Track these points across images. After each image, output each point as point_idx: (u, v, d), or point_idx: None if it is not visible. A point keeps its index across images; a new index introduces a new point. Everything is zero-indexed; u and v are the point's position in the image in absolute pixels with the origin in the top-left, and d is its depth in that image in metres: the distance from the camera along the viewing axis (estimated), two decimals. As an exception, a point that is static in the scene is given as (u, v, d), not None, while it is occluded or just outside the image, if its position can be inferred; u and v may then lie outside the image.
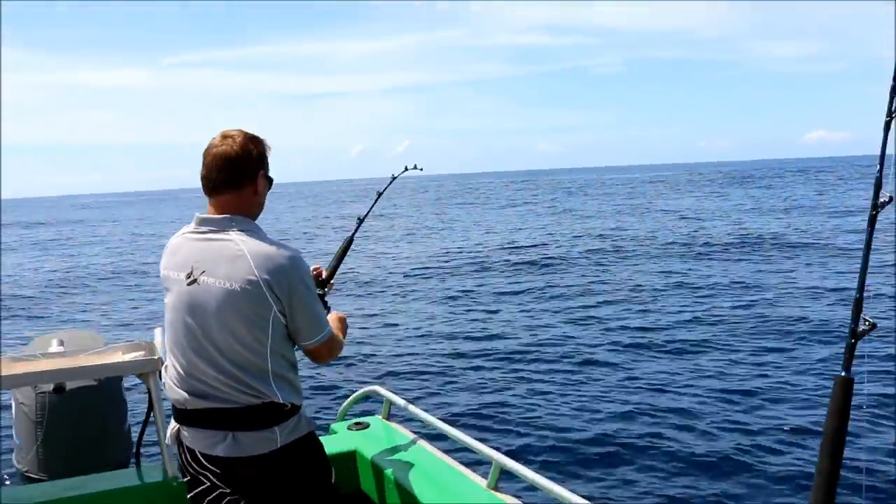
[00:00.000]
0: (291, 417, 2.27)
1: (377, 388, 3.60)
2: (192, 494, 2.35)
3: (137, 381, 3.01)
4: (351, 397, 3.69)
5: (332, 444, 3.27)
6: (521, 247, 23.00)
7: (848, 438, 2.01)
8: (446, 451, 3.16)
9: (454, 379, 8.72)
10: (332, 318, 2.57)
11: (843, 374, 1.96)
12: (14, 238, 39.40)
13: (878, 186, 1.86)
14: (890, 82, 1.85)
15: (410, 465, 3.02)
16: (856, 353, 1.96)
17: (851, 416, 1.99)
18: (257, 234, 2.26)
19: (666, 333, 10.54)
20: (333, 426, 3.58)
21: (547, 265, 18.77)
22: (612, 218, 33.51)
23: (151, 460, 3.73)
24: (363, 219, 3.29)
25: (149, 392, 2.94)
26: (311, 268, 2.92)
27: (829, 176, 65.10)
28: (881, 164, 1.86)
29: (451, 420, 6.98)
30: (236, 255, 2.18)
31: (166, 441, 2.45)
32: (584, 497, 2.24)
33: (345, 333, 2.61)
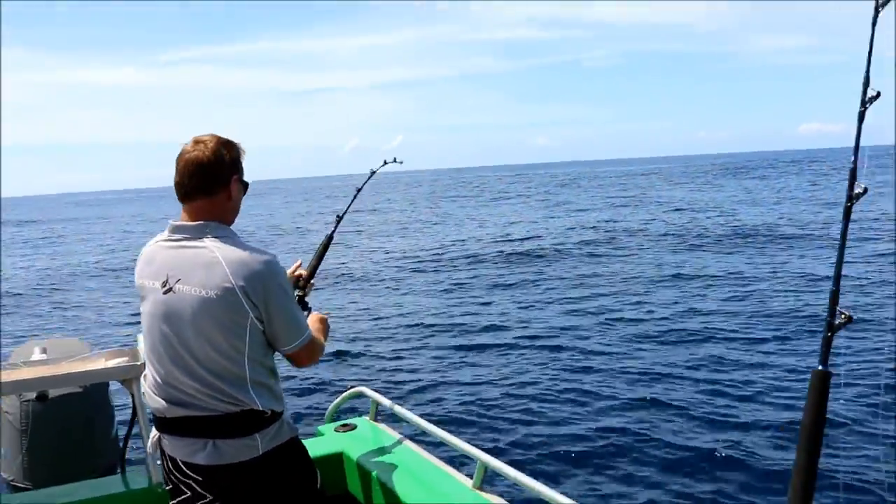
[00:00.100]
0: (272, 424, 2.25)
1: (364, 389, 3.61)
2: (175, 502, 2.34)
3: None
4: (338, 399, 3.71)
5: (319, 446, 3.28)
6: (512, 240, 23.05)
7: (827, 433, 2.00)
8: (433, 452, 3.17)
9: (442, 377, 8.68)
10: (312, 319, 2.56)
11: (819, 367, 1.94)
12: (6, 236, 39.31)
13: (852, 177, 1.84)
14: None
15: (396, 466, 3.03)
16: (834, 347, 1.93)
17: (830, 411, 1.97)
18: (232, 239, 2.23)
19: (656, 328, 10.52)
20: (320, 428, 3.59)
21: (536, 260, 18.78)
22: (605, 211, 33.57)
23: (139, 467, 3.73)
24: (342, 215, 3.26)
25: (132, 398, 2.93)
26: (293, 266, 2.89)
27: (823, 166, 65.38)
28: (855, 155, 1.84)
29: (439, 419, 6.99)
30: (211, 261, 2.15)
31: (148, 449, 2.45)
32: (569, 496, 2.24)
33: (326, 335, 2.58)
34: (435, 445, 3.46)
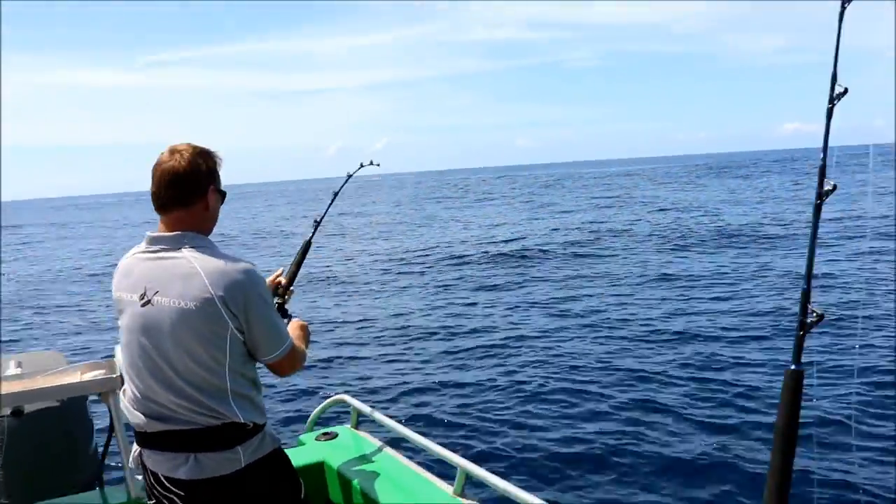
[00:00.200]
0: (255, 436, 2.23)
1: (345, 396, 3.62)
2: None
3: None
4: (319, 407, 3.72)
5: (301, 455, 3.29)
6: (496, 242, 23.04)
7: (801, 432, 1.99)
8: (414, 458, 3.20)
9: (425, 383, 8.60)
10: (292, 327, 2.54)
11: (793, 366, 1.94)
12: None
13: (822, 175, 1.85)
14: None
15: (377, 474, 3.05)
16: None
17: (803, 410, 1.97)
18: (210, 249, 2.21)
19: (640, 330, 10.50)
20: (301, 437, 3.60)
21: (520, 261, 18.74)
22: (589, 212, 33.68)
23: (119, 482, 3.70)
24: (320, 220, 3.26)
25: (110, 412, 2.90)
26: (273, 275, 2.88)
27: (805, 165, 65.97)
28: (824, 152, 1.84)
29: (420, 425, 6.98)
30: (190, 272, 2.13)
31: (129, 464, 2.41)
32: (548, 502, 2.23)
33: (307, 342, 2.57)
34: (416, 452, 3.46)
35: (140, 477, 2.38)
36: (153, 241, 2.23)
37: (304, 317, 2.74)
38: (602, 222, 27.27)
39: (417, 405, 7.84)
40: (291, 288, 2.92)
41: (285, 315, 2.74)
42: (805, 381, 1.94)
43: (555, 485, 5.81)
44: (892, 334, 9.26)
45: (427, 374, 8.99)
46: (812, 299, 1.82)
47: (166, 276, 2.15)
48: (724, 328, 10.26)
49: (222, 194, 2.33)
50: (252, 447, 2.22)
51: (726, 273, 14.87)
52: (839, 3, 1.87)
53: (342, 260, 21.43)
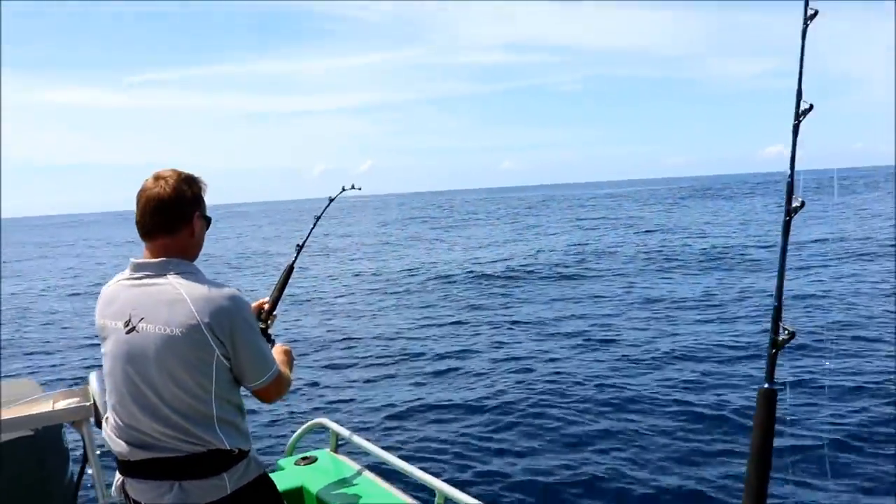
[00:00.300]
0: (240, 462, 2.21)
1: (324, 420, 3.61)
2: None
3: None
4: (298, 431, 3.71)
5: (280, 480, 3.27)
6: (481, 264, 23.03)
7: (776, 450, 1.98)
8: (393, 482, 3.18)
9: (405, 406, 8.50)
10: (276, 352, 2.52)
11: (766, 385, 1.93)
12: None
13: (789, 191, 1.85)
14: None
15: (357, 498, 3.04)
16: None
17: (777, 428, 1.95)
18: (196, 276, 2.19)
19: (626, 352, 10.45)
20: (280, 462, 3.58)
21: (504, 283, 18.68)
22: (574, 233, 33.85)
23: None
24: (303, 244, 3.25)
25: (83, 440, 2.85)
26: (256, 302, 2.85)
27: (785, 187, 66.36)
28: (791, 169, 1.84)
29: (400, 449, 6.93)
30: (175, 299, 2.11)
31: (112, 493, 2.36)
32: None
33: (291, 367, 2.55)
34: (396, 476, 3.43)
35: None
36: (137, 267, 2.21)
37: (285, 338, 2.73)
38: (587, 244, 27.36)
39: (398, 428, 7.76)
40: (274, 313, 2.91)
41: (269, 340, 2.73)
42: (783, 398, 1.93)
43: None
44: (865, 350, 9.41)
45: (408, 396, 8.90)
46: (783, 317, 1.82)
47: (151, 302, 2.13)
48: (705, 348, 10.27)
49: (207, 220, 2.32)
50: (238, 473, 2.19)
51: (709, 294, 14.93)
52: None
53: (324, 280, 21.35)
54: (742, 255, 21.19)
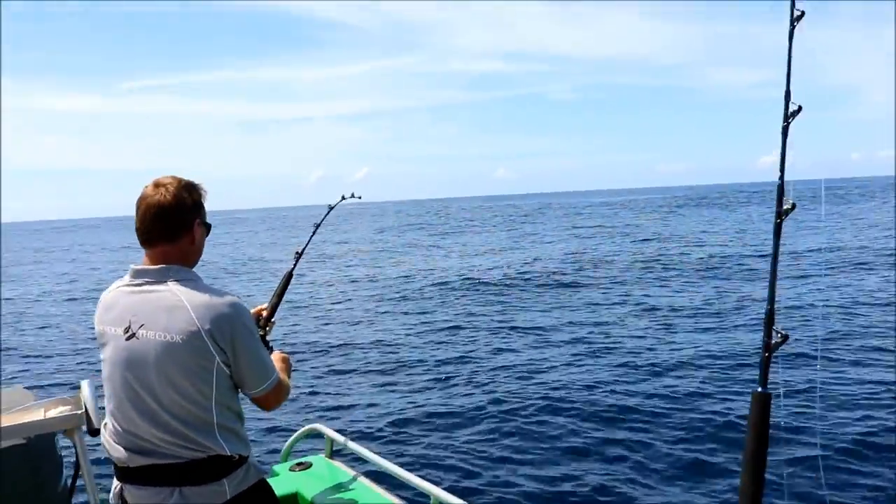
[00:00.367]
0: (239, 468, 2.21)
1: (319, 426, 3.62)
2: None
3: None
4: (293, 437, 3.71)
5: (274, 486, 3.26)
6: (478, 271, 23.00)
7: (770, 459, 1.98)
8: (388, 488, 3.19)
9: (400, 412, 8.48)
10: (275, 359, 2.52)
11: (759, 389, 1.94)
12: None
13: (780, 194, 1.85)
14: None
15: (352, 503, 3.04)
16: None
17: (771, 432, 1.96)
18: (196, 283, 2.19)
19: (624, 359, 10.45)
20: (275, 467, 3.58)
21: (500, 291, 18.66)
22: (570, 241, 33.86)
23: None
24: (301, 252, 3.25)
25: (75, 448, 2.84)
26: (255, 308, 2.85)
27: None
28: (781, 171, 1.85)
29: (395, 454, 6.92)
30: (175, 305, 2.11)
31: (110, 500, 2.35)
32: None
33: (290, 374, 2.56)
34: (391, 481, 3.43)
35: None
36: (137, 273, 2.21)
37: (280, 344, 2.73)
38: (583, 252, 27.37)
39: (393, 434, 7.74)
40: (273, 320, 2.91)
41: (267, 347, 2.73)
42: (777, 404, 1.93)
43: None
44: (861, 360, 9.42)
45: (403, 403, 8.89)
46: (776, 321, 1.82)
47: (151, 308, 2.14)
48: (702, 356, 10.26)
49: (208, 227, 2.33)
50: (237, 479, 2.20)
51: (705, 302, 14.93)
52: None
53: (321, 286, 21.32)
54: (739, 263, 21.21)
